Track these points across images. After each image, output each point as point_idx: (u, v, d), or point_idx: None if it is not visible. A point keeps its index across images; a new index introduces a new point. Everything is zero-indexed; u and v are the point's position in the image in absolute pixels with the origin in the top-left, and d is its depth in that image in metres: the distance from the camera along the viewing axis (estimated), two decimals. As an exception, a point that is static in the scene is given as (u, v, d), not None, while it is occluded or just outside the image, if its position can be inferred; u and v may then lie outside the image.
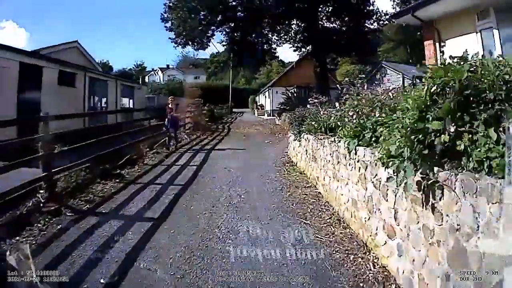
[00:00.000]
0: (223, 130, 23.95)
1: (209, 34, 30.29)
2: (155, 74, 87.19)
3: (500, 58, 3.22)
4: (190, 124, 22.42)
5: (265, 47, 30.71)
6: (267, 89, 44.16)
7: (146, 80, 78.37)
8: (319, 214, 6.34)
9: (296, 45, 30.01)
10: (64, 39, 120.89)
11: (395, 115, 4.06)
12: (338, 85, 13.16)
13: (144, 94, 34.02)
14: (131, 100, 30.97)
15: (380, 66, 25.73)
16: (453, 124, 2.91)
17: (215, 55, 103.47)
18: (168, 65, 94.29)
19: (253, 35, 29.08)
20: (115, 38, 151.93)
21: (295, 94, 28.17)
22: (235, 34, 28.52)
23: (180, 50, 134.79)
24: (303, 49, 30.04)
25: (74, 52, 26.88)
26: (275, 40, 30.67)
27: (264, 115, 43.12)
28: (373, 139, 5.01)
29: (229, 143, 16.87)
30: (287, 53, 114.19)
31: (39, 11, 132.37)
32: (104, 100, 26.65)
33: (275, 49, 30.78)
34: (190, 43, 29.99)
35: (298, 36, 29.38)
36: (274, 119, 30.26)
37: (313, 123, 8.94)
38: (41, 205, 6.57)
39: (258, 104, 51.34)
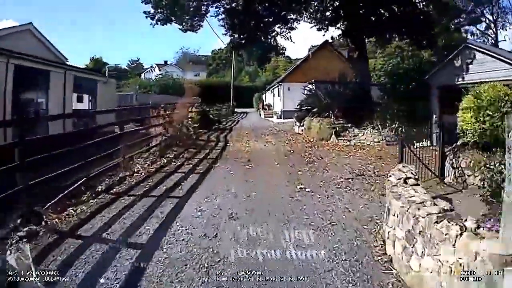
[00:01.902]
0: (215, 146, 14.79)
1: (203, 11, 21.19)
2: (152, 71, 78.01)
3: None
4: (162, 138, 13.37)
5: (276, 28, 21.45)
6: (277, 85, 34.80)
7: (142, 77, 69.78)
8: None
9: (320, 24, 20.52)
10: (61, 36, 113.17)
11: None
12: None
13: (114, 90, 24.79)
14: (92, 99, 21.91)
15: (462, 48, 16.33)
16: None
17: (217, 51, 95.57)
18: (165, 61, 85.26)
19: (261, 6, 19.84)
20: (114, 35, 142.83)
21: (320, 90, 18.78)
22: (237, 2, 19.25)
23: (180, 48, 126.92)
24: (330, 28, 20.60)
25: (27, 37, 19.76)
26: (290, 19, 21.30)
27: (272, 116, 33.98)
28: None
29: (217, 189, 7.68)
30: (293, 48, 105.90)
31: (36, 10, 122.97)
32: (44, 98, 17.84)
33: (291, 27, 21.35)
34: (174, 19, 20.83)
35: (325, 13, 20.00)
36: (292, 125, 21.03)
37: None
38: None
39: (264, 103, 42.03)
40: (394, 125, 14.58)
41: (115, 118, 13.65)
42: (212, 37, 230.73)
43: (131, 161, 10.22)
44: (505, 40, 48.01)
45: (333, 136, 15.16)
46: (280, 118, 30.92)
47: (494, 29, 40.52)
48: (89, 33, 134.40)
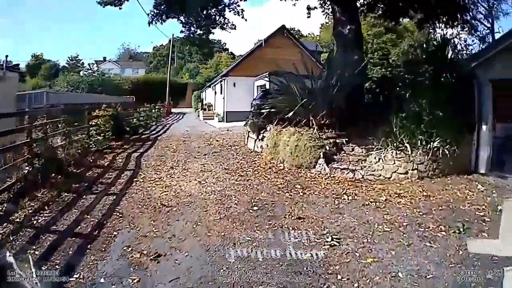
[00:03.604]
0: (112, 184, 7.64)
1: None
2: (90, 68, 68.37)
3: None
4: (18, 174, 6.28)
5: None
6: (219, 81, 27.69)
7: (81, 75, 60.02)
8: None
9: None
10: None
11: None
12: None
13: (15, 88, 16.31)
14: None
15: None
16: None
17: (158, 48, 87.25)
18: (104, 58, 75.89)
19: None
20: (59, 31, 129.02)
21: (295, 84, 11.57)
22: None
23: (121, 44, 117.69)
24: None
25: None
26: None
27: (212, 118, 26.82)
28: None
29: None
30: (236, 45, 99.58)
31: None
32: None
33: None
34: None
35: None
36: (242, 134, 14.04)
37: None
38: None
39: (204, 103, 34.80)
40: (432, 144, 8.03)
41: None
42: (156, 34, 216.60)
43: None
44: (499, 32, 44.14)
45: (322, 160, 8.56)
46: (223, 121, 24.18)
47: (490, 19, 36.24)
48: (34, 31, 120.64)
